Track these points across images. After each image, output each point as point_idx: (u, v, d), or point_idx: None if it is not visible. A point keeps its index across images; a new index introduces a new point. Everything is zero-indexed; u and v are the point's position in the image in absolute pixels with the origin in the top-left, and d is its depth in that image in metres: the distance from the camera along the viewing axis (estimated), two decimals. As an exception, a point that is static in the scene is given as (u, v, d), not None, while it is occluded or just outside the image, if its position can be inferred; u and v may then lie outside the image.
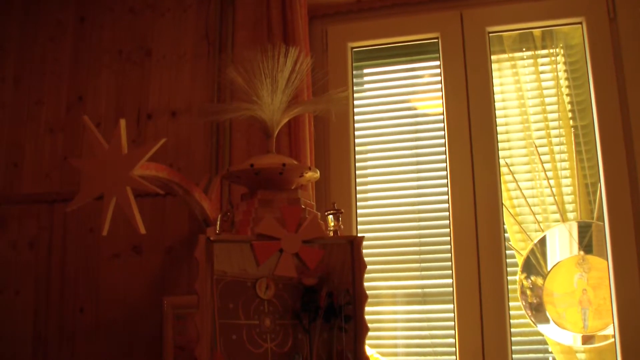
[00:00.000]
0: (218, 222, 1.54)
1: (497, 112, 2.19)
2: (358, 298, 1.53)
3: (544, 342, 2.11)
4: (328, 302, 1.50)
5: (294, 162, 1.63)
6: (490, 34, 2.21)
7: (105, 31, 2.40)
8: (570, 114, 2.21)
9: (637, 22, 2.07)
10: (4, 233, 2.30)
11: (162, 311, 2.04)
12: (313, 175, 1.64)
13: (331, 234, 1.60)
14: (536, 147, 2.20)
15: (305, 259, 1.52)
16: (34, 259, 2.25)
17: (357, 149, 2.27)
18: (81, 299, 2.19)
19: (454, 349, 2.04)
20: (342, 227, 1.61)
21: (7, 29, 2.49)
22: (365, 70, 2.39)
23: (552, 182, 2.17)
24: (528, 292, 2.12)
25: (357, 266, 1.54)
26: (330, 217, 1.62)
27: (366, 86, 2.38)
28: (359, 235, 1.61)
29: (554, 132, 2.20)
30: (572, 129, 2.20)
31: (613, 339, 1.96)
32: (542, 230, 2.15)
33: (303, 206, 1.57)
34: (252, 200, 1.58)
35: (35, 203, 2.28)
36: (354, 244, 1.55)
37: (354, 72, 2.34)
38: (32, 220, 2.28)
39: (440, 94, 2.21)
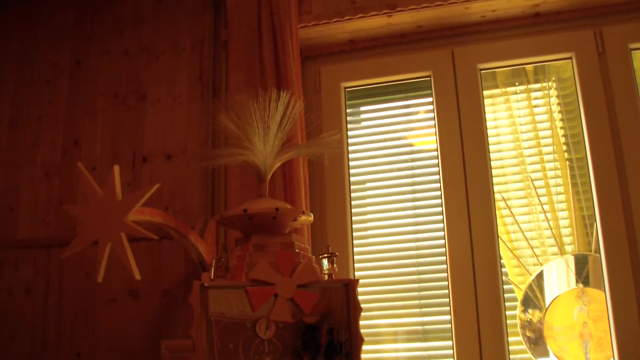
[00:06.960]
0: (212, 268, 1.53)
1: (492, 147, 2.20)
2: (354, 340, 1.52)
3: (545, 377, 2.09)
4: (329, 339, 1.49)
5: (287, 206, 1.62)
6: (481, 71, 2.23)
7: (101, 74, 2.42)
8: (564, 147, 2.22)
9: (626, 57, 2.10)
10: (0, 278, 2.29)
11: (159, 355, 2.02)
12: (307, 218, 1.64)
13: (326, 277, 1.59)
14: (532, 180, 2.20)
15: (300, 304, 1.50)
16: (30, 304, 2.24)
17: (354, 187, 2.27)
18: (78, 344, 2.17)
19: (454, 386, 2.03)
20: (336, 270, 1.61)
21: (3, 71, 2.52)
22: (362, 108, 2.40)
23: (549, 215, 2.17)
24: (528, 326, 2.11)
25: (352, 309, 1.53)
26: (325, 260, 1.62)
27: (363, 124, 2.38)
28: (355, 277, 1.60)
29: (549, 165, 2.21)
30: (567, 162, 2.20)
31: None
32: (541, 264, 2.14)
33: (297, 250, 1.56)
34: (246, 245, 1.57)
35: (32, 248, 2.28)
36: (349, 287, 1.54)
37: (351, 110, 2.35)
38: (28, 265, 2.27)
39: (434, 130, 2.23)
